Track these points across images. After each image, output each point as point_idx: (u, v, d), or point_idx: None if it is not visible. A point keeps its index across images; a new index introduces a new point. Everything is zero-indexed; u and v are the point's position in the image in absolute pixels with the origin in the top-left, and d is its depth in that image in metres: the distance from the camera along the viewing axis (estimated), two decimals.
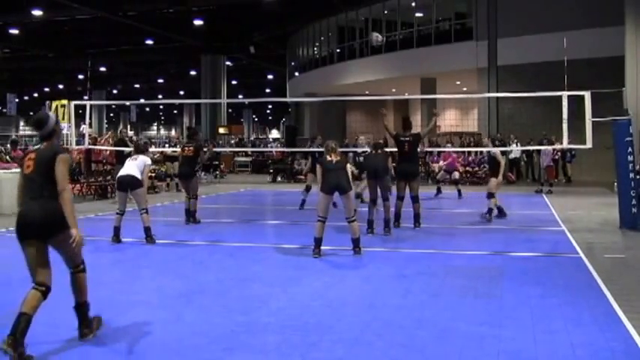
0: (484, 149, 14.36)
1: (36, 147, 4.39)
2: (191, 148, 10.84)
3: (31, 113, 69.29)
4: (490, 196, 11.09)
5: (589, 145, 10.70)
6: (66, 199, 4.11)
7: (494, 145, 12.33)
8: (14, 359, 3.80)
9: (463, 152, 20.94)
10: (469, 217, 11.61)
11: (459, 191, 15.55)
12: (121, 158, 14.85)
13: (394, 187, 10.33)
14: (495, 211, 11.19)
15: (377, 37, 12.25)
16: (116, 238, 8.65)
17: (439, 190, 15.95)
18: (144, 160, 8.86)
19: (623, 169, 9.88)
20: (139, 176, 8.66)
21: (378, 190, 9.45)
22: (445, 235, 9.52)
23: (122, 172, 8.84)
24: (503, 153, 12.41)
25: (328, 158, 7.82)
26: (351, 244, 7.79)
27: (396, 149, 10.35)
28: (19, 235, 4.17)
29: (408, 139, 9.97)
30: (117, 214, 8.76)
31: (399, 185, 10.27)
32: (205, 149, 11.71)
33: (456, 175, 16.39)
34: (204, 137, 36.57)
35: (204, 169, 23.31)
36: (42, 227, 4.09)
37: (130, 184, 8.65)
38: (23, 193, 4.29)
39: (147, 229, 8.68)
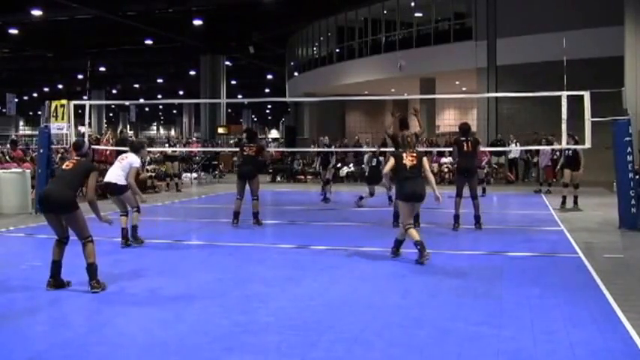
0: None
1: (77, 158, 6.20)
2: (253, 147, 10.53)
3: (31, 113, 69.48)
4: (576, 187, 12.94)
5: (588, 145, 10.70)
6: (92, 201, 6.03)
7: (575, 142, 12.42)
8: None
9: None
10: (468, 218, 11.59)
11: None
12: None
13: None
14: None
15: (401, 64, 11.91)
16: (125, 240, 8.35)
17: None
18: (131, 161, 8.49)
19: (622, 169, 9.89)
20: (122, 182, 8.34)
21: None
22: (444, 235, 9.52)
23: (107, 177, 8.53)
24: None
25: (403, 161, 7.25)
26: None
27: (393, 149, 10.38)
28: (41, 206, 6.06)
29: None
30: (120, 215, 8.56)
31: None
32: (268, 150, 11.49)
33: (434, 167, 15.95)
34: (204, 137, 36.67)
35: (204, 168, 23.32)
36: (60, 206, 5.83)
37: (115, 190, 8.41)
38: (54, 179, 6.34)
39: (133, 228, 8.48)
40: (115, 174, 8.43)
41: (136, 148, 8.88)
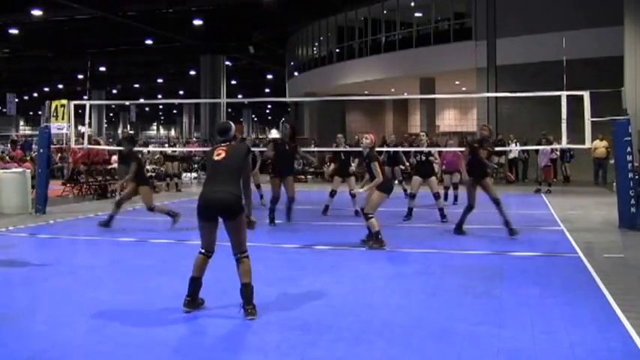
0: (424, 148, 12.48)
1: (226, 144, 5.08)
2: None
3: (31, 113, 69.46)
4: (412, 196, 11.17)
5: (588, 144, 10.71)
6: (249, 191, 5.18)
7: (430, 146, 12.01)
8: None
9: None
10: (469, 217, 11.58)
11: (456, 196, 13.86)
12: (123, 158, 14.87)
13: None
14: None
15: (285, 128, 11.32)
16: None
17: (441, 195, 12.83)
18: None
19: (622, 168, 9.90)
20: None
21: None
22: (444, 235, 9.52)
23: None
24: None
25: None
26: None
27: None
28: (203, 212, 4.96)
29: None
30: None
31: (273, 183, 10.60)
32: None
33: (458, 177, 13.82)
34: (204, 137, 36.64)
35: (203, 168, 23.30)
36: (229, 209, 4.91)
37: None
38: (210, 176, 5.10)
39: None
40: None
41: None
